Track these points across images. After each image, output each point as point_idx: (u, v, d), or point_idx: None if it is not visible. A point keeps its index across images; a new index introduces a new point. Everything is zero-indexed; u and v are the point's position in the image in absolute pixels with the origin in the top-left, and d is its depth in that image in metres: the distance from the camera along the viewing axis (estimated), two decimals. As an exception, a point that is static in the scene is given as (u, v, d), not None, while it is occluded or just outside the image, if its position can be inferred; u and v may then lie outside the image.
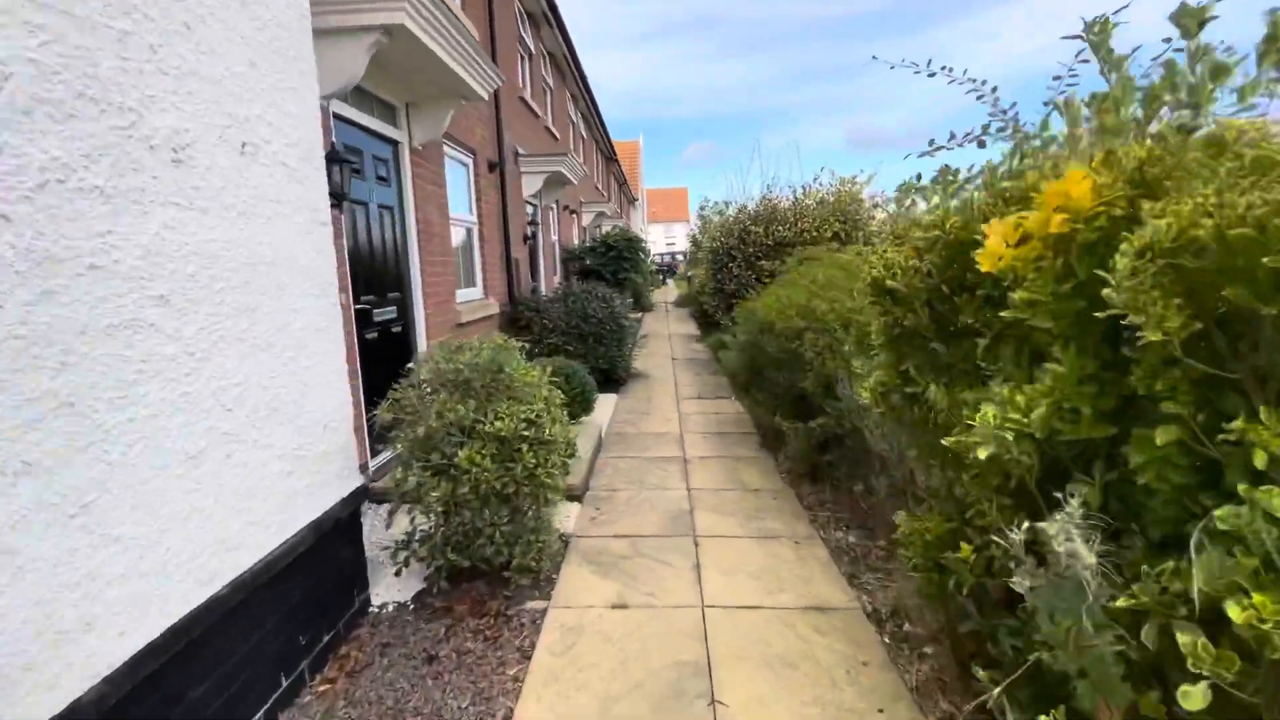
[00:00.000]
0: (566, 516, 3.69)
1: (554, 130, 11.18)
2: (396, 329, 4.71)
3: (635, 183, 36.98)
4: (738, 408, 6.31)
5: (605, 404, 6.52)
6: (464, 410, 2.47)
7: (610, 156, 22.61)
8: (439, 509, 2.45)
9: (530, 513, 2.67)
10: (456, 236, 6.17)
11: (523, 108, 8.95)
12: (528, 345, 7.09)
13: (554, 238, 11.67)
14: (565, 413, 3.13)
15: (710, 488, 4.15)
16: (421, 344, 5.04)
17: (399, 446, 2.67)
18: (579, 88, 13.95)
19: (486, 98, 4.98)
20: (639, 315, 16.00)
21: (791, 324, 3.75)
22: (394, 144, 4.73)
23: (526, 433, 2.54)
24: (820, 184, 8.00)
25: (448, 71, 4.21)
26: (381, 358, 4.44)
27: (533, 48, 9.97)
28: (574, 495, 3.92)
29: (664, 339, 11.91)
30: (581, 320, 7.15)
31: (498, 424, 2.46)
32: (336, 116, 3.87)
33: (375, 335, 4.38)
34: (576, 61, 12.50)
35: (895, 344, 2.04)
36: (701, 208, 20.33)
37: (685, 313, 17.09)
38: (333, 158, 3.43)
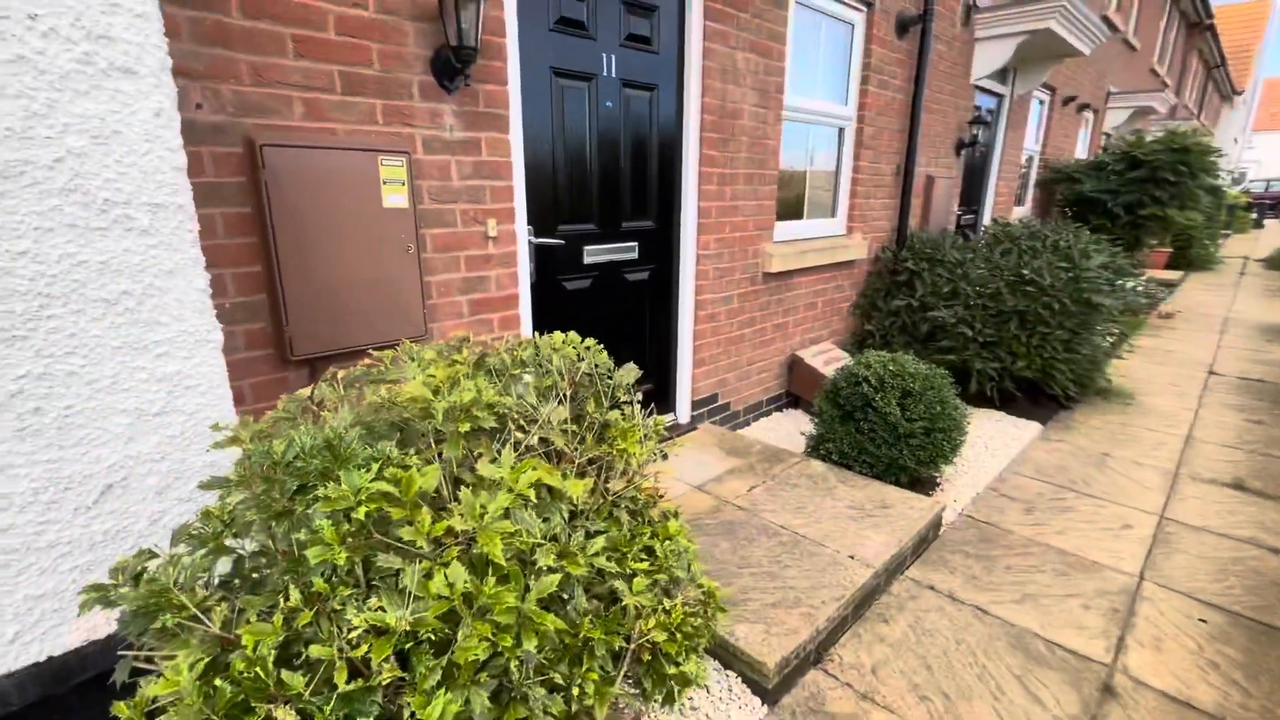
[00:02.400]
0: (705, 740, 1.71)
1: (1072, -28, 7.05)
2: (636, 276, 3.20)
3: (1244, 68, 24.22)
4: (1352, 555, 2.60)
5: (1000, 444, 3.68)
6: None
7: (1197, 22, 14.60)
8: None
9: None
10: (801, 136, 4.09)
11: (1006, -69, 5.60)
12: (899, 312, 4.46)
13: (1031, 146, 7.81)
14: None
15: None
16: (685, 301, 3.42)
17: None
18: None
19: None
20: (1177, 276, 10.23)
21: None
22: (678, -18, 2.99)
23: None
24: None
25: None
26: (597, 323, 3.05)
27: None
28: (759, 680, 1.85)
29: (1208, 326, 6.94)
30: (1007, 287, 4.18)
31: None
32: (529, -74, 2.38)
33: (587, 284, 2.99)
34: None
35: None
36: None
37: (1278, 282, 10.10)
38: (453, -16, 2.00)
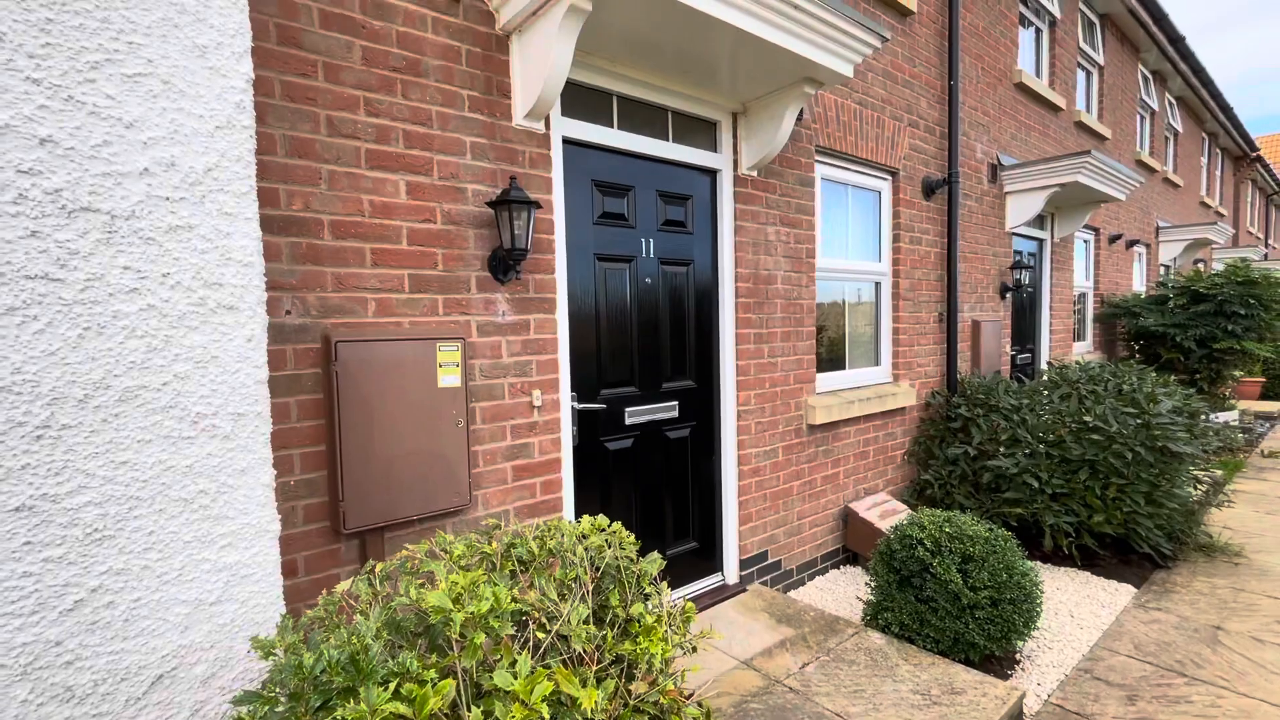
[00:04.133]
0: None
1: (1095, 127, 7.44)
2: (677, 433, 3.27)
3: (1306, 190, 23.83)
4: None
5: (1087, 611, 3.33)
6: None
7: (1241, 155, 14.77)
8: None
9: None
10: (836, 293, 4.26)
11: (1023, 99, 6.06)
12: (957, 460, 4.25)
13: (1082, 283, 7.77)
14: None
15: None
16: (727, 456, 3.44)
17: None
18: (1165, 56, 9.20)
19: (849, 74, 3.03)
20: (1276, 408, 9.49)
21: None
22: (710, 174, 3.36)
23: None
24: None
25: (751, 38, 2.58)
26: (639, 481, 3.10)
27: None
28: None
29: (1322, 467, 6.26)
30: (1071, 435, 4.00)
31: None
32: (576, 143, 2.79)
33: (629, 444, 3.07)
34: (1155, 9, 8.16)
35: None
36: None
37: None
38: (508, 199, 2.34)
